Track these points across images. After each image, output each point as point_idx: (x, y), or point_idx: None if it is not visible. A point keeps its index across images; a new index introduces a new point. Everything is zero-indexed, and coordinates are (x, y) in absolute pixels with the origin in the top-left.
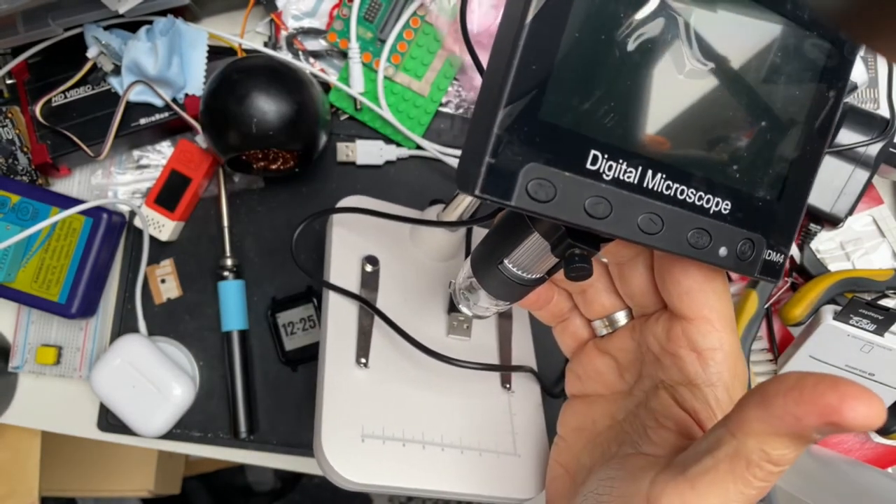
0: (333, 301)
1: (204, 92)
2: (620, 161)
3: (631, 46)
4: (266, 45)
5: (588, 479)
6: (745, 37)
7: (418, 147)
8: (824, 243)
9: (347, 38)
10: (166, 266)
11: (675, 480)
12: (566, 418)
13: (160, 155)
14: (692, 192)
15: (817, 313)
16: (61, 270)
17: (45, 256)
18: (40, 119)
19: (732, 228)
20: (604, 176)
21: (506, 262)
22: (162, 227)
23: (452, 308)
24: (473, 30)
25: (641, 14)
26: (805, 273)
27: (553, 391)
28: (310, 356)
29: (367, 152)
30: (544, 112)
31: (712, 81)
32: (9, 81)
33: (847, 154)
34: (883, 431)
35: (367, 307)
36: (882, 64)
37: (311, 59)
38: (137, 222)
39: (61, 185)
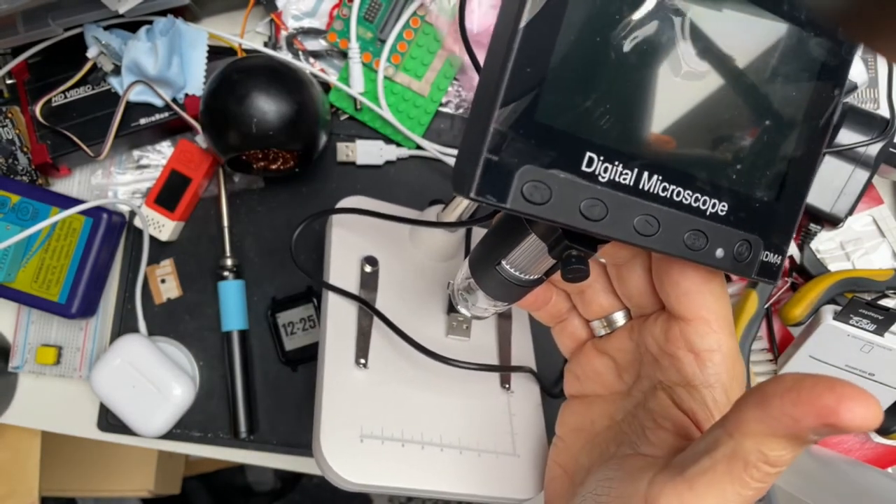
0: (333, 301)
1: (204, 92)
2: (616, 163)
3: (627, 48)
4: (266, 45)
5: (586, 480)
6: (743, 38)
7: (418, 147)
8: (824, 243)
9: (347, 38)
10: (166, 266)
11: (673, 481)
12: (565, 419)
13: (160, 155)
14: (689, 194)
15: (817, 313)
16: (61, 270)
17: (45, 256)
18: (40, 119)
19: (729, 230)
20: (599, 178)
21: (504, 263)
22: (162, 227)
23: (452, 309)
24: (473, 30)
25: (637, 16)
26: (805, 273)
27: (552, 391)
28: (310, 356)
29: (367, 152)
30: (540, 114)
31: (710, 83)
32: (9, 81)
33: (847, 154)
34: (883, 431)
35: (367, 308)
36: (882, 64)
37: (311, 59)
38: (137, 222)
39: (61, 185)
